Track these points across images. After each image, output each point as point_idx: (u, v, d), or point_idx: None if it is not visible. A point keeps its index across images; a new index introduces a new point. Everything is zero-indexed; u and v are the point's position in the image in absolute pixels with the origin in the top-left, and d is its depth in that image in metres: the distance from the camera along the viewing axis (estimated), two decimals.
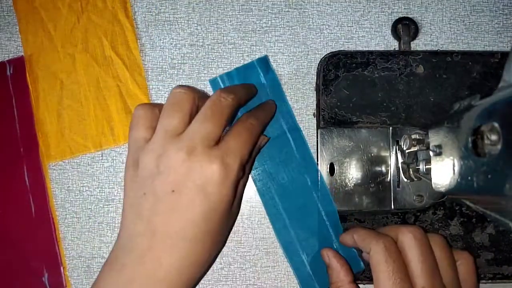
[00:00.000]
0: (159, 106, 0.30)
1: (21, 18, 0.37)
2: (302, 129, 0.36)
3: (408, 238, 0.29)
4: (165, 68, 0.37)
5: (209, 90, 0.36)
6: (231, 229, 0.35)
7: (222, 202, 0.28)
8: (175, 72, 0.37)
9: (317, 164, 0.35)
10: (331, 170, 0.35)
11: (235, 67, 0.36)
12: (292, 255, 0.35)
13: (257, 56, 0.37)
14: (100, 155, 0.36)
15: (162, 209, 0.27)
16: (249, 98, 0.34)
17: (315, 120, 0.36)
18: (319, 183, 0.35)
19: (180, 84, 0.30)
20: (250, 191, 0.36)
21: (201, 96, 0.30)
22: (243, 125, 0.30)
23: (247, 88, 0.34)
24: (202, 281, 0.36)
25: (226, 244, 0.36)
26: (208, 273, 0.36)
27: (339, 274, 0.32)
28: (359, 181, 0.35)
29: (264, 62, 0.36)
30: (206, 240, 0.28)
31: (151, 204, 0.27)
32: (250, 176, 0.36)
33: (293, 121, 0.36)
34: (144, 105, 0.30)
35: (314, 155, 0.36)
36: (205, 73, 0.37)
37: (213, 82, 0.36)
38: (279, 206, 0.35)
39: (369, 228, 0.33)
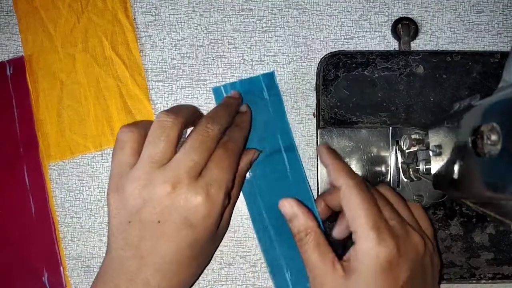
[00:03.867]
0: (144, 127, 0.30)
1: (21, 18, 0.37)
2: (302, 129, 0.36)
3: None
4: (165, 68, 0.37)
5: (210, 96, 0.36)
6: (218, 246, 0.35)
7: (207, 232, 0.29)
8: (175, 72, 0.37)
9: (317, 165, 0.35)
10: None
11: (235, 67, 0.36)
12: (276, 272, 0.34)
13: (257, 56, 0.37)
14: (100, 155, 0.36)
15: (148, 237, 0.28)
16: (230, 123, 0.33)
17: (315, 120, 0.36)
18: (310, 203, 0.34)
19: (167, 109, 0.30)
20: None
21: (190, 118, 0.30)
22: (223, 151, 0.30)
23: (231, 113, 0.33)
24: (202, 281, 0.36)
25: (226, 244, 0.36)
26: (208, 273, 0.36)
27: (307, 220, 0.30)
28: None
29: (270, 77, 0.36)
30: (191, 263, 0.30)
31: (137, 231, 0.28)
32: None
33: (290, 141, 0.35)
34: (129, 129, 0.29)
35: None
36: (205, 73, 0.37)
37: (216, 91, 0.36)
38: (266, 222, 0.35)
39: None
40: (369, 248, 0.27)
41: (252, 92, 0.36)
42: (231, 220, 0.36)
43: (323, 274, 0.28)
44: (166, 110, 0.29)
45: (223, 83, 0.36)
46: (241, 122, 0.33)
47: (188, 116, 0.30)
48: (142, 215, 0.28)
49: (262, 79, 0.36)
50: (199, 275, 0.33)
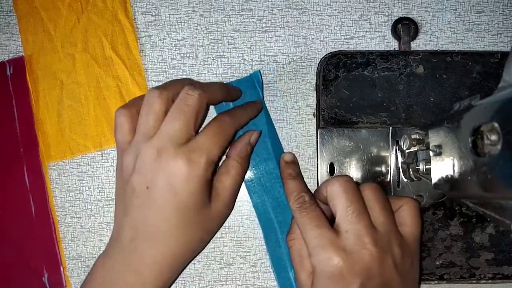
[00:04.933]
0: (137, 106, 0.31)
1: (21, 18, 0.37)
2: (302, 129, 0.36)
3: (334, 187, 0.29)
4: (165, 68, 0.37)
5: None
6: (217, 228, 0.33)
7: (192, 197, 0.29)
8: (175, 72, 0.37)
9: (317, 165, 0.35)
10: (331, 170, 0.35)
11: (235, 67, 0.37)
12: (280, 271, 0.35)
13: (257, 56, 0.37)
14: (100, 155, 0.36)
15: (139, 204, 0.29)
16: (225, 98, 0.33)
17: (315, 120, 0.36)
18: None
19: (156, 86, 0.31)
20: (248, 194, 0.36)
21: (179, 90, 0.30)
22: (214, 121, 0.31)
23: (221, 87, 0.33)
24: (202, 281, 0.36)
25: (226, 244, 0.36)
26: (208, 273, 0.36)
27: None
28: (359, 181, 0.35)
29: (258, 77, 0.36)
30: (180, 234, 0.30)
31: (130, 199, 0.30)
32: (245, 187, 0.36)
33: (277, 143, 0.36)
34: (123, 110, 0.31)
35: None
36: (205, 73, 0.37)
37: None
38: (273, 220, 0.35)
39: None
40: (317, 263, 0.28)
41: (247, 91, 0.36)
42: (230, 220, 0.36)
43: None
44: (155, 87, 0.31)
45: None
46: (247, 105, 0.35)
47: (176, 90, 0.31)
48: (133, 183, 0.29)
49: (255, 78, 0.36)
50: (196, 254, 0.33)
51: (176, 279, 0.32)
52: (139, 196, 0.29)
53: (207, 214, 0.31)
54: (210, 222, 0.32)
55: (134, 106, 0.31)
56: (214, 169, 0.31)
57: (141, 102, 0.31)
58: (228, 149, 0.33)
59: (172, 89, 0.31)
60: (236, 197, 0.34)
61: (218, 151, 0.30)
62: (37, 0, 0.37)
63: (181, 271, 0.32)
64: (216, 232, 0.34)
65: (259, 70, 0.36)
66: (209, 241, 0.34)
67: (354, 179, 0.35)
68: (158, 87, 0.31)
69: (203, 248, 0.33)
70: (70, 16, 0.37)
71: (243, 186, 0.36)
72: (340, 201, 0.29)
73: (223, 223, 0.34)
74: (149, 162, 0.29)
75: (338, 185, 0.29)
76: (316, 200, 0.32)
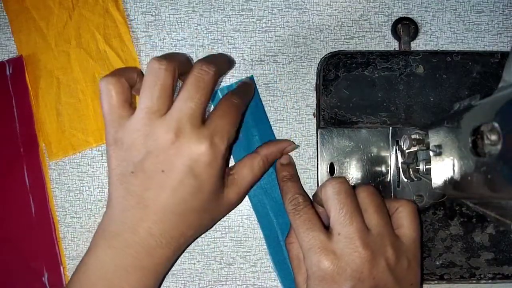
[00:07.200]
0: (127, 77, 0.29)
1: (12, 19, 0.37)
2: (302, 129, 0.36)
3: (327, 189, 0.29)
4: None
5: None
6: (224, 213, 0.33)
7: (210, 181, 0.29)
8: None
9: (317, 165, 0.35)
10: (331, 170, 0.35)
11: (235, 67, 0.36)
12: (283, 273, 0.35)
13: (257, 56, 0.37)
14: (100, 155, 0.36)
15: (152, 186, 0.28)
16: (227, 70, 0.33)
17: (315, 120, 0.36)
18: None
19: (158, 56, 0.29)
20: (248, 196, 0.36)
21: (181, 64, 0.29)
22: (229, 103, 0.30)
23: (225, 59, 0.33)
24: (202, 281, 0.36)
25: (226, 244, 0.36)
26: (208, 273, 0.36)
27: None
28: (359, 181, 0.35)
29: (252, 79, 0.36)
30: (194, 216, 0.30)
31: (141, 181, 0.28)
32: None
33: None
34: (111, 79, 0.28)
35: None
36: None
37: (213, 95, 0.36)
38: (273, 222, 0.35)
39: None
40: (309, 266, 0.28)
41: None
42: (230, 220, 0.36)
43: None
44: (158, 57, 0.29)
45: (222, 85, 0.36)
46: (244, 86, 0.34)
47: (181, 62, 0.29)
48: (145, 165, 0.28)
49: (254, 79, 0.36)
50: (199, 235, 0.33)
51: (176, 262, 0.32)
52: (152, 179, 0.28)
53: (221, 200, 0.31)
54: (221, 208, 0.32)
55: (122, 75, 0.29)
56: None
57: (131, 73, 0.29)
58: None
59: (178, 62, 0.29)
60: (247, 194, 0.34)
61: (234, 133, 0.30)
62: (28, 0, 0.37)
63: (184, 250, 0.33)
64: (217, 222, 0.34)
65: (252, 75, 0.36)
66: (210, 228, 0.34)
67: (354, 179, 0.35)
68: (162, 58, 0.28)
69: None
70: (61, 14, 0.37)
71: None
72: (332, 203, 0.29)
73: (227, 213, 0.34)
74: (165, 144, 0.27)
75: (331, 187, 0.29)
76: (314, 203, 0.32)
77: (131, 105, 0.30)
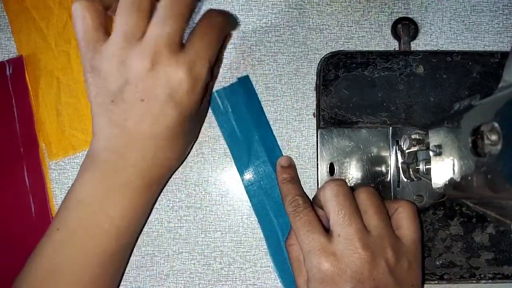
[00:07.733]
0: (100, 1, 0.28)
1: (12, 19, 0.37)
2: (302, 129, 0.36)
3: (326, 191, 0.29)
4: None
5: None
6: (202, 124, 0.35)
7: (192, 107, 0.29)
8: None
9: (317, 165, 0.35)
10: (331, 170, 0.35)
11: (235, 67, 0.36)
12: (284, 274, 0.35)
13: (257, 56, 0.37)
14: None
15: (133, 116, 0.28)
16: (229, 29, 0.33)
17: (315, 120, 0.36)
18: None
19: None
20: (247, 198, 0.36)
21: None
22: (209, 24, 0.28)
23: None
24: (202, 281, 0.36)
25: (226, 244, 0.36)
26: (208, 273, 0.36)
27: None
28: (359, 181, 0.35)
29: (248, 80, 0.36)
30: (177, 140, 0.30)
31: (122, 110, 0.28)
32: (245, 191, 0.36)
33: (273, 144, 0.36)
34: (84, 2, 0.27)
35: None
36: None
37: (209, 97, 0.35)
38: (274, 222, 0.35)
39: None
40: (309, 268, 0.28)
41: (248, 92, 0.36)
42: (230, 220, 0.36)
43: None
44: None
45: (222, 85, 0.36)
46: (219, 12, 0.31)
47: None
48: (124, 94, 0.27)
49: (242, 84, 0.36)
50: (186, 156, 0.35)
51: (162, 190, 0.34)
52: (133, 108, 0.27)
53: (199, 116, 0.32)
54: (200, 123, 0.34)
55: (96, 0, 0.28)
56: None
57: None
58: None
59: None
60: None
61: (215, 56, 0.29)
62: (28, 0, 0.37)
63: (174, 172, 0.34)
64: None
65: (247, 75, 0.36)
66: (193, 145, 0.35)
67: (354, 179, 0.35)
68: None
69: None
70: (61, 14, 0.37)
71: (243, 188, 0.36)
72: (331, 205, 0.29)
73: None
74: (142, 71, 0.26)
75: (329, 189, 0.29)
76: (315, 205, 0.32)
77: (106, 30, 0.28)
